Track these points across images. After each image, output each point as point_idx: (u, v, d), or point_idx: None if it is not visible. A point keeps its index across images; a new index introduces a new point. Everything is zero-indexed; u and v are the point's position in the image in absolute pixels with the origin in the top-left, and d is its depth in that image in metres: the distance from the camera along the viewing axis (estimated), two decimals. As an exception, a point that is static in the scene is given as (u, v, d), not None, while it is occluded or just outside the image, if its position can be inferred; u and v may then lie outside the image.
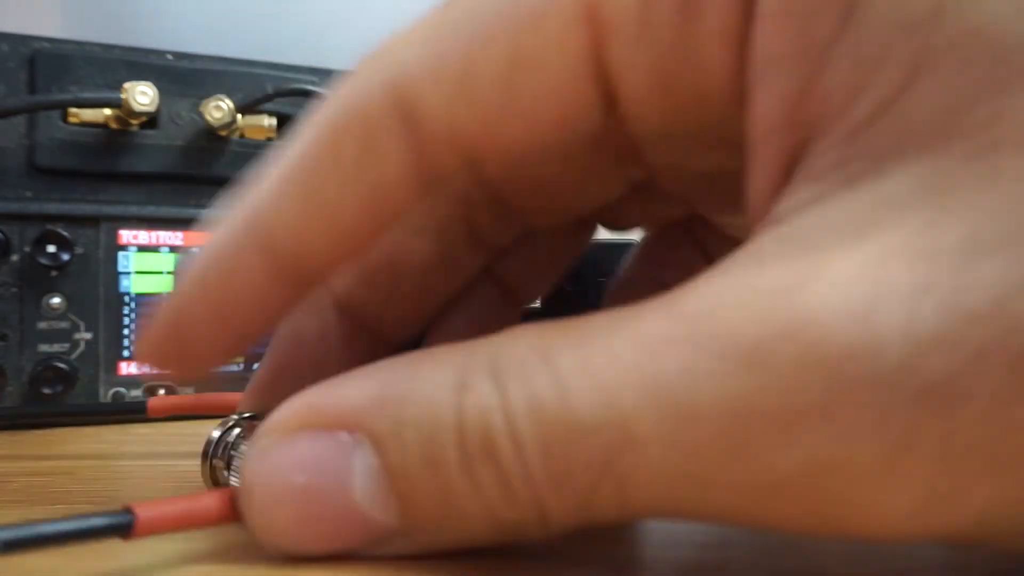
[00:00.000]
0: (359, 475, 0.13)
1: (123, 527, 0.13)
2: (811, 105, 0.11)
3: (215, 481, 0.19)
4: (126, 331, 0.32)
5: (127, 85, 0.31)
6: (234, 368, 0.34)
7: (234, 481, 0.18)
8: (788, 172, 0.12)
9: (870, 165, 0.11)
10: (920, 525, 0.11)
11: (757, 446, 0.11)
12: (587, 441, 0.11)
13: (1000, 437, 0.10)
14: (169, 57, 0.33)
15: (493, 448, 0.12)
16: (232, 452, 0.18)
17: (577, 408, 0.12)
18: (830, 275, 0.11)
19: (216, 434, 0.19)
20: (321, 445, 0.13)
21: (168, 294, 0.15)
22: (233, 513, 0.15)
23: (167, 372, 0.16)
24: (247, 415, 0.19)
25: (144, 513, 0.14)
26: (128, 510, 0.13)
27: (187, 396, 0.28)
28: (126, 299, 0.32)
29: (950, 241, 0.10)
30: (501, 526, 0.13)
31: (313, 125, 0.14)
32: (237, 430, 0.19)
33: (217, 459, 0.19)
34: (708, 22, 0.12)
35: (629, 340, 0.12)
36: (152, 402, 0.27)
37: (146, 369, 0.32)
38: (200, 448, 0.24)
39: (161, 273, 0.32)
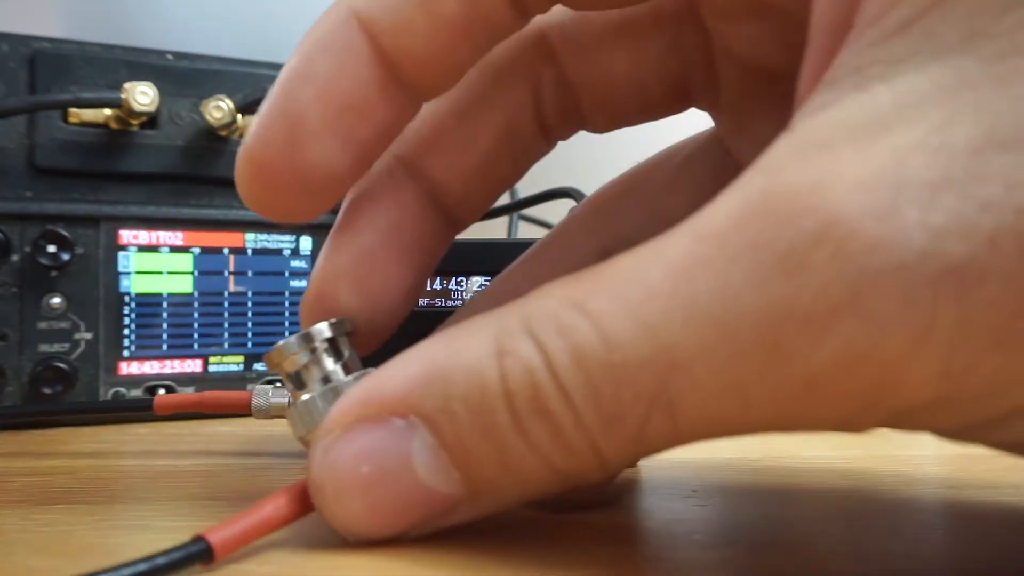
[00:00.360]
0: (419, 455, 0.14)
1: (201, 555, 0.14)
2: (854, 12, 0.12)
3: (310, 420, 0.17)
4: (126, 331, 0.32)
5: (127, 85, 0.31)
6: (234, 368, 0.34)
7: (298, 419, 0.17)
8: (827, 59, 0.12)
9: (886, 70, 0.11)
10: (941, 400, 0.11)
11: (793, 346, 0.11)
12: (635, 376, 0.12)
13: (1011, 317, 0.11)
14: (169, 57, 0.33)
15: (542, 404, 0.13)
16: (335, 381, 0.17)
17: (620, 347, 0.12)
18: (850, 176, 0.11)
19: (303, 359, 0.17)
20: (378, 435, 0.14)
21: (264, 108, 0.16)
22: (301, 508, 0.15)
23: (282, 202, 0.17)
24: (329, 335, 0.17)
25: (216, 537, 0.14)
26: (201, 538, 0.14)
27: (192, 394, 0.28)
28: (126, 299, 0.32)
29: (965, 138, 0.11)
30: (561, 476, 0.14)
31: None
32: (331, 358, 0.17)
33: (314, 394, 0.16)
34: None
35: (660, 270, 0.12)
36: (158, 399, 0.26)
37: (145, 369, 0.32)
38: (200, 448, 0.24)
39: (161, 273, 0.32)
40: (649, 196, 0.21)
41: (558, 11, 0.17)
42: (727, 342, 0.12)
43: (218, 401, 0.26)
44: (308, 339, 0.17)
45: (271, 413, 0.25)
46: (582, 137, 0.22)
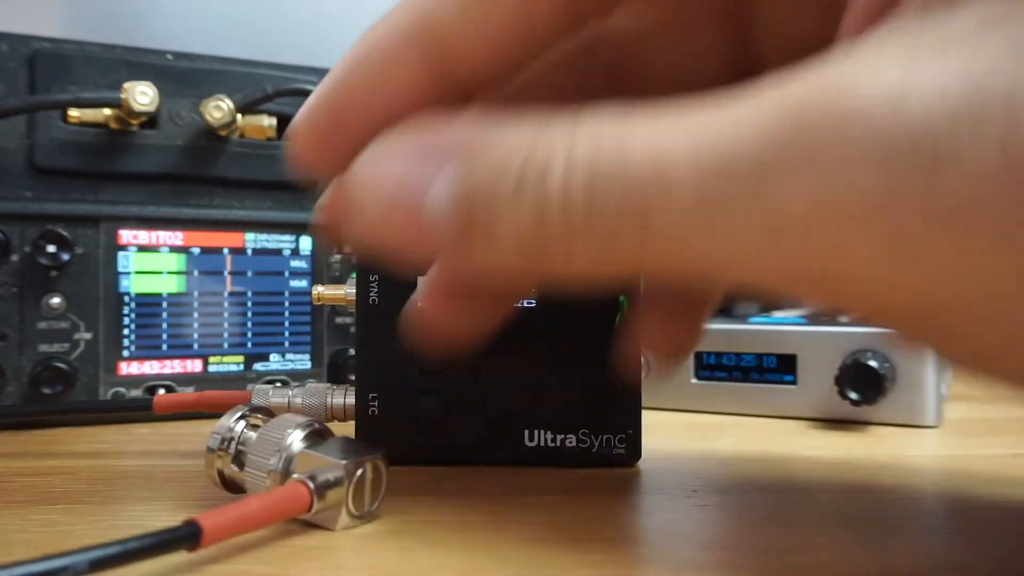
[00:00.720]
0: (439, 188, 0.15)
1: (190, 538, 0.14)
2: None
3: (220, 474, 0.19)
4: (126, 331, 0.32)
5: (127, 85, 0.31)
6: (234, 368, 0.34)
7: (250, 477, 0.18)
8: (879, 8, 0.14)
9: (945, 5, 0.12)
10: (885, 275, 0.12)
11: (773, 188, 0.12)
12: (627, 184, 0.13)
13: (971, 206, 0.11)
14: (169, 57, 0.33)
15: (545, 177, 0.14)
16: (240, 447, 0.19)
17: (630, 158, 0.13)
18: (880, 80, 0.12)
19: (219, 429, 0.19)
20: (424, 158, 0.16)
21: (323, 84, 0.18)
22: (293, 507, 0.16)
23: (314, 156, 0.18)
24: (252, 406, 0.20)
25: (208, 522, 0.15)
26: (192, 522, 0.14)
27: (191, 394, 0.28)
28: (126, 299, 0.32)
29: (974, 69, 0.12)
30: (526, 257, 0.15)
31: None
32: (242, 424, 0.19)
33: (223, 453, 0.19)
34: None
35: (693, 120, 0.13)
36: (158, 399, 0.27)
37: (145, 369, 0.32)
38: (200, 448, 0.24)
39: (161, 273, 0.32)
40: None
41: None
42: (719, 179, 0.13)
43: (218, 401, 0.26)
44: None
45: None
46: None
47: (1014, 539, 0.17)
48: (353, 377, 0.31)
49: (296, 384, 0.25)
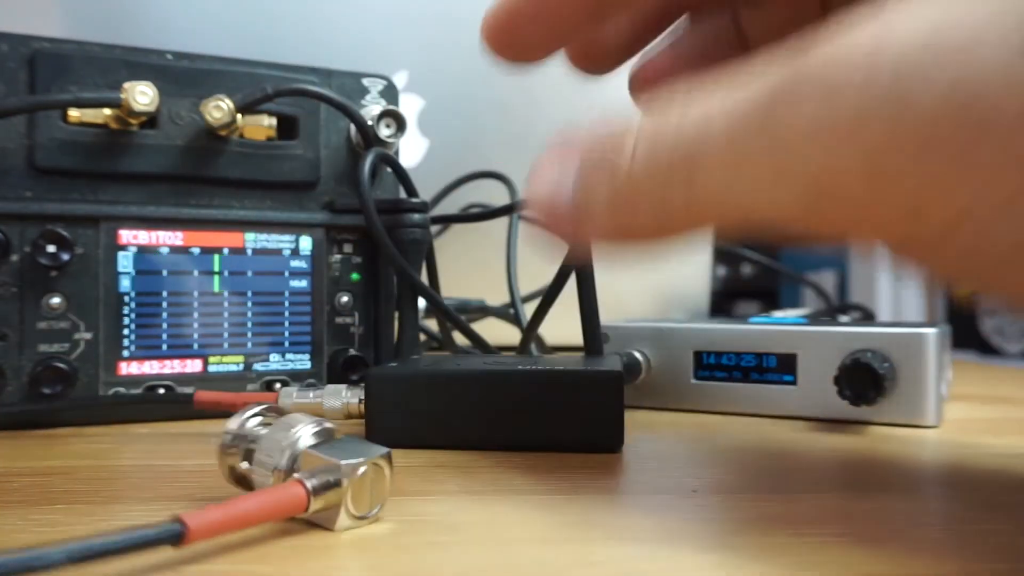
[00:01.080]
0: (566, 183, 0.19)
1: (175, 536, 0.14)
2: None
3: (232, 471, 0.19)
4: (126, 331, 0.32)
5: (127, 85, 0.31)
6: (234, 368, 0.34)
7: (257, 475, 0.18)
8: None
9: None
10: (865, 192, 0.15)
11: (776, 124, 0.15)
12: (679, 143, 0.17)
13: (928, 137, 0.14)
14: (169, 57, 0.33)
15: (620, 152, 0.18)
16: (250, 445, 0.19)
17: (683, 124, 0.17)
18: (863, 32, 0.15)
19: (232, 426, 0.19)
20: (560, 160, 0.20)
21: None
22: (282, 510, 0.16)
23: (504, 57, 0.24)
24: (264, 406, 0.20)
25: (193, 521, 0.15)
26: (178, 520, 0.15)
27: (229, 394, 0.29)
28: (126, 299, 0.32)
29: (937, 14, 0.14)
30: (614, 212, 0.18)
31: None
32: (255, 420, 0.19)
33: (235, 450, 0.19)
34: None
35: (732, 87, 0.16)
36: (198, 395, 0.29)
37: (145, 369, 0.32)
38: (204, 447, 0.24)
39: (161, 273, 0.32)
40: None
41: None
42: (741, 118, 0.16)
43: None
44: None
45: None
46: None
47: (1015, 539, 0.17)
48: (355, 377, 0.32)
49: (296, 384, 0.26)
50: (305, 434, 0.18)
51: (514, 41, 0.24)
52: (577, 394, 0.25)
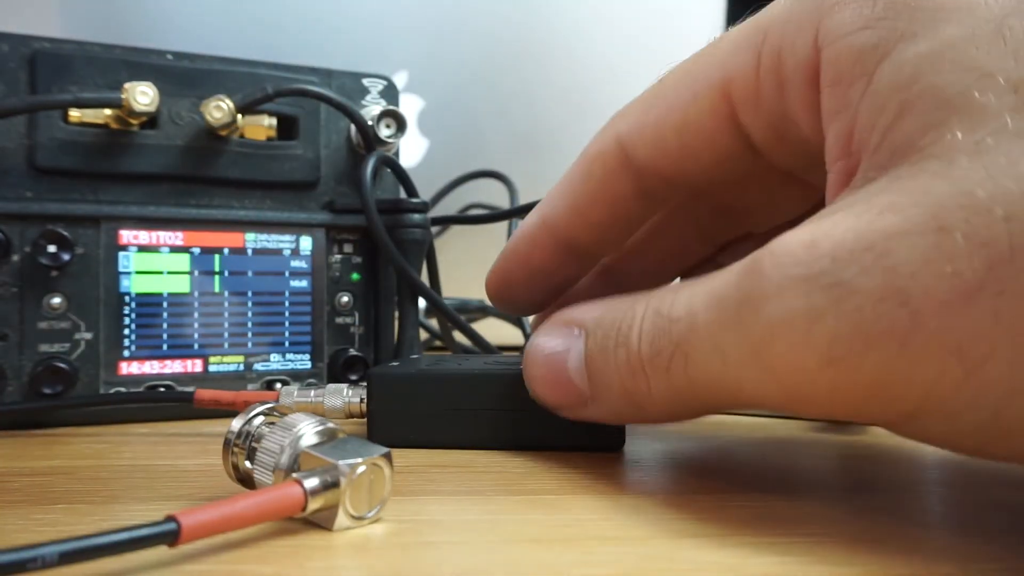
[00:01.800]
0: (573, 355, 0.22)
1: (169, 535, 0.14)
2: (853, 142, 0.18)
3: (236, 469, 0.19)
4: (126, 331, 0.32)
5: (127, 85, 0.31)
6: (234, 368, 0.34)
7: (258, 473, 0.18)
8: (842, 186, 0.19)
9: (875, 173, 0.17)
10: (828, 380, 0.16)
11: (746, 322, 0.17)
12: (672, 329, 0.19)
13: (870, 323, 0.16)
14: (169, 57, 0.33)
15: (628, 337, 0.20)
16: (254, 444, 0.19)
17: (672, 311, 0.19)
18: (807, 228, 0.17)
19: (237, 425, 0.19)
20: (561, 333, 0.22)
21: (500, 258, 0.27)
22: (275, 510, 0.16)
23: (503, 310, 0.29)
24: (269, 405, 0.20)
25: (187, 521, 0.15)
26: (172, 519, 0.14)
27: (228, 392, 0.28)
28: (126, 299, 0.32)
29: (878, 206, 0.16)
30: (628, 395, 0.20)
31: (579, 157, 0.24)
32: (260, 419, 0.19)
33: (239, 448, 0.19)
34: (794, 95, 0.20)
35: (712, 281, 0.19)
36: (198, 393, 0.29)
37: (146, 369, 0.32)
38: (203, 447, 0.24)
39: (161, 273, 0.32)
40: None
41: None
42: (718, 315, 0.18)
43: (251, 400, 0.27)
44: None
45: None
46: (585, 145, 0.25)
47: (1014, 539, 0.17)
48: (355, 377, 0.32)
49: (296, 384, 0.26)
50: (307, 433, 0.18)
51: (512, 300, 0.27)
52: None
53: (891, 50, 0.17)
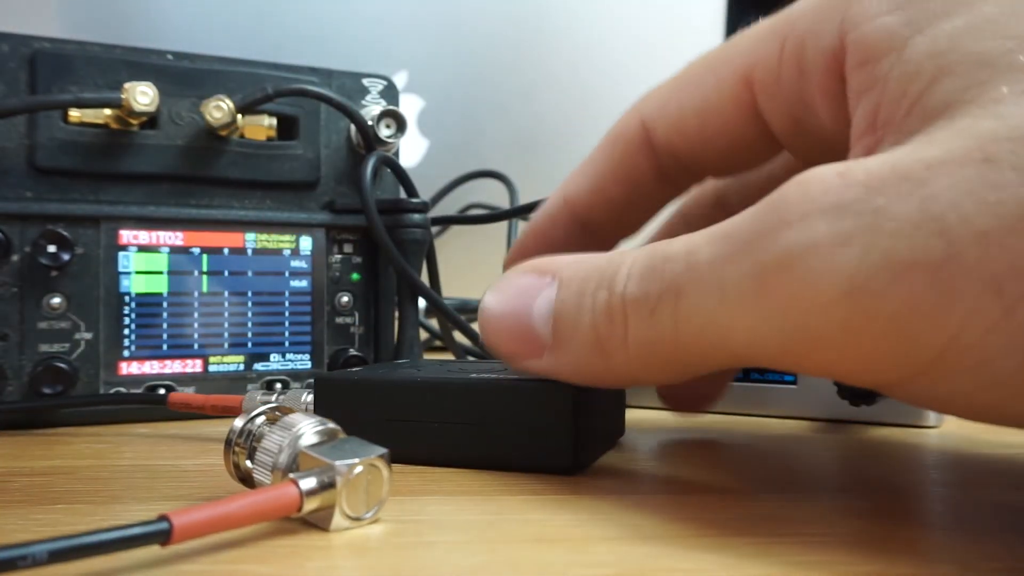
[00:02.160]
0: (540, 300, 0.20)
1: (161, 534, 0.14)
2: (879, 117, 0.17)
3: (237, 468, 0.19)
4: (126, 331, 0.32)
5: (127, 85, 0.31)
6: (234, 368, 0.34)
7: (257, 473, 0.18)
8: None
9: (900, 139, 0.17)
10: (846, 313, 0.15)
11: (755, 251, 0.16)
12: (664, 268, 0.18)
13: (903, 249, 0.15)
14: (169, 57, 0.33)
15: (613, 280, 0.19)
16: (255, 443, 0.19)
17: (668, 251, 0.18)
18: (836, 165, 0.16)
19: (239, 423, 0.19)
20: (530, 278, 0.21)
21: (520, 235, 0.28)
22: (268, 511, 0.16)
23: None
24: (272, 405, 0.20)
25: (179, 520, 0.15)
26: (164, 518, 0.14)
27: (200, 396, 0.28)
28: (126, 299, 0.32)
29: (913, 144, 0.16)
30: (598, 343, 0.19)
31: (604, 137, 0.25)
32: (261, 419, 0.19)
33: (240, 447, 0.19)
34: (814, 82, 0.20)
35: (721, 224, 0.17)
36: (173, 396, 0.28)
37: (146, 369, 0.32)
38: (204, 447, 0.24)
39: (161, 273, 0.32)
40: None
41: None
42: (724, 247, 0.17)
43: (224, 406, 0.27)
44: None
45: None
46: (585, 145, 0.26)
47: (1014, 539, 0.17)
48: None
49: (296, 384, 0.25)
50: (306, 433, 0.18)
51: None
52: (528, 409, 0.22)
53: (925, 26, 0.17)
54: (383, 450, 0.18)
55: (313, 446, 0.18)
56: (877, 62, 0.18)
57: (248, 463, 0.19)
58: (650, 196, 0.25)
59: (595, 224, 0.25)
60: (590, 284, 0.19)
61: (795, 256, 0.15)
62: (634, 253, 0.19)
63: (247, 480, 0.19)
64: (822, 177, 0.16)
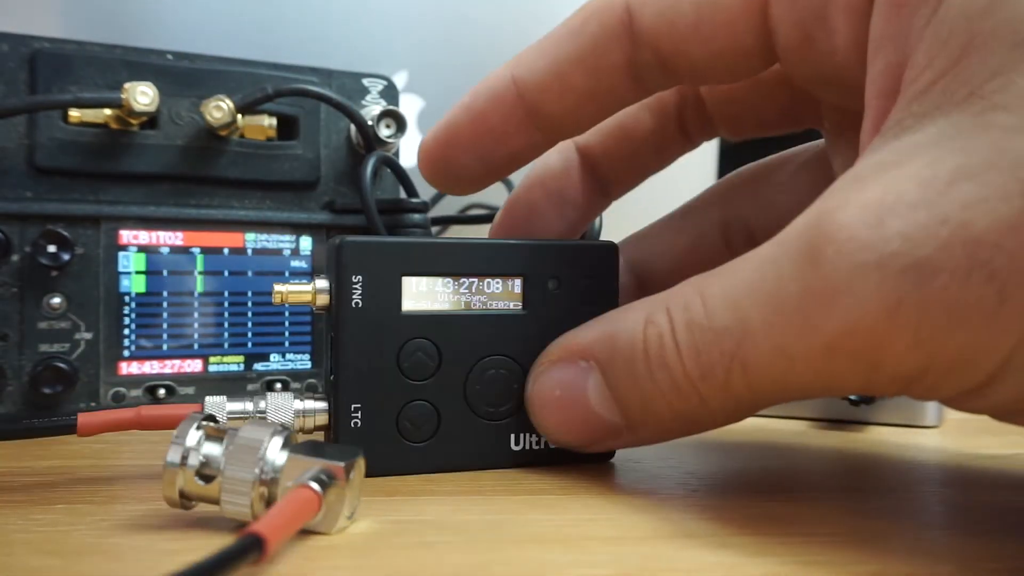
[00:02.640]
0: (592, 389, 0.20)
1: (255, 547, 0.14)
2: (903, 78, 0.16)
3: (181, 490, 0.17)
4: (126, 331, 0.32)
5: (127, 85, 0.31)
6: (234, 368, 0.34)
7: (226, 490, 0.17)
8: (883, 122, 0.17)
9: (915, 122, 0.16)
10: (924, 368, 0.15)
11: (815, 319, 0.16)
12: (722, 339, 0.17)
13: (961, 302, 0.15)
14: (169, 57, 0.33)
15: (665, 358, 0.18)
16: (203, 459, 0.17)
17: (714, 317, 0.17)
18: (862, 199, 0.16)
19: (180, 438, 0.18)
20: (568, 371, 0.20)
21: (450, 113, 0.23)
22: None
23: (438, 184, 0.25)
24: (204, 415, 0.18)
25: (266, 529, 0.14)
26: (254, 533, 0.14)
27: (125, 411, 0.22)
28: (126, 299, 0.32)
29: (946, 171, 0.15)
30: (680, 416, 0.19)
31: (572, 14, 0.22)
32: (201, 433, 0.18)
33: (185, 466, 0.17)
34: (840, 0, 0.18)
35: (749, 267, 0.17)
36: (83, 418, 0.21)
37: (146, 369, 0.32)
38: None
39: (161, 273, 0.32)
40: (767, 190, 0.27)
41: None
42: (778, 316, 0.16)
43: (156, 417, 0.22)
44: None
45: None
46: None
47: (1014, 539, 0.17)
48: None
49: (258, 396, 0.23)
50: (277, 443, 0.17)
51: (450, 165, 0.24)
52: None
53: None
54: (359, 448, 0.18)
55: (293, 453, 0.17)
56: (914, 10, 0.16)
57: (198, 481, 0.17)
58: (612, 92, 0.22)
59: (544, 114, 0.22)
60: (638, 365, 0.19)
61: (854, 325, 0.15)
62: (662, 317, 0.18)
63: (188, 502, 0.18)
64: (854, 233, 0.15)
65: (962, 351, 0.15)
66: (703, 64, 0.21)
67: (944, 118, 0.15)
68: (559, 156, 0.26)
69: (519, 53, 0.23)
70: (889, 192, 0.15)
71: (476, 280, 0.23)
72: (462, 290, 0.23)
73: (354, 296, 0.22)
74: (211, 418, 0.18)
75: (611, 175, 0.26)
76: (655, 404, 0.19)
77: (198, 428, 0.18)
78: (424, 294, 0.23)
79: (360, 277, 0.22)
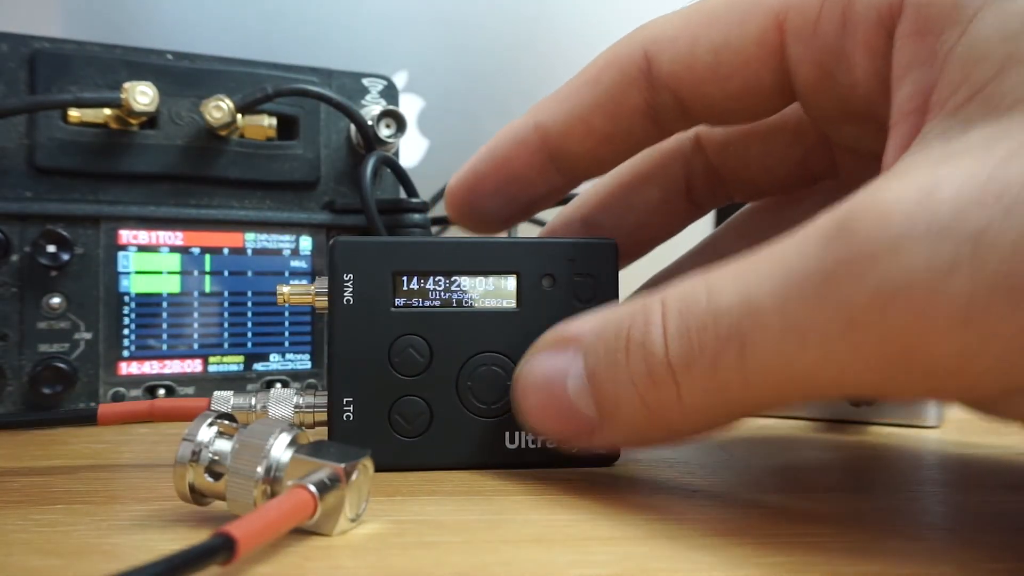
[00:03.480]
0: (572, 378, 0.19)
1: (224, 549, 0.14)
2: (933, 97, 0.16)
3: (191, 487, 0.18)
4: (126, 331, 0.32)
5: (127, 85, 0.31)
6: (234, 368, 0.34)
7: (231, 487, 0.17)
8: (911, 140, 0.17)
9: (960, 129, 0.16)
10: (957, 342, 0.14)
11: (840, 292, 0.15)
12: (718, 321, 0.16)
13: (1019, 279, 0.14)
14: (169, 57, 0.33)
15: (646, 341, 0.17)
16: (213, 455, 0.18)
17: (717, 299, 0.16)
18: (902, 183, 0.15)
19: (191, 434, 0.18)
20: (555, 358, 0.19)
21: (475, 159, 0.24)
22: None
23: (463, 224, 0.25)
24: (219, 413, 0.19)
25: (239, 530, 0.14)
26: (225, 534, 0.14)
27: (140, 403, 0.23)
28: (126, 299, 0.32)
29: (1001, 150, 0.15)
30: (651, 411, 0.17)
31: (591, 62, 0.22)
32: (214, 430, 0.18)
33: (196, 463, 0.18)
34: (858, 36, 0.19)
35: (768, 259, 0.16)
36: (103, 408, 0.23)
37: (145, 369, 0.32)
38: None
39: (161, 273, 0.32)
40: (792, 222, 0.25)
41: None
42: (793, 290, 0.15)
43: (170, 410, 0.23)
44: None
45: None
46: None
47: (1014, 539, 0.17)
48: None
49: (260, 390, 0.24)
50: (283, 441, 0.17)
51: (476, 209, 0.25)
52: None
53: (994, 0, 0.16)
54: (366, 450, 0.18)
55: (298, 452, 0.17)
56: (937, 35, 0.16)
57: (207, 478, 0.18)
58: (633, 134, 0.23)
59: (565, 157, 0.23)
60: (619, 352, 0.17)
61: (894, 292, 0.14)
62: (658, 305, 0.17)
63: (200, 497, 0.18)
64: (896, 205, 0.14)
65: (1019, 335, 0.14)
66: (721, 105, 0.21)
67: (990, 124, 0.15)
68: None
69: (539, 102, 0.24)
70: (938, 173, 0.15)
71: (468, 278, 0.23)
72: (454, 288, 0.23)
73: (345, 294, 0.22)
74: (226, 416, 0.19)
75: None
76: (626, 393, 0.17)
77: (211, 425, 0.18)
78: (415, 292, 0.23)
79: (351, 275, 0.22)
